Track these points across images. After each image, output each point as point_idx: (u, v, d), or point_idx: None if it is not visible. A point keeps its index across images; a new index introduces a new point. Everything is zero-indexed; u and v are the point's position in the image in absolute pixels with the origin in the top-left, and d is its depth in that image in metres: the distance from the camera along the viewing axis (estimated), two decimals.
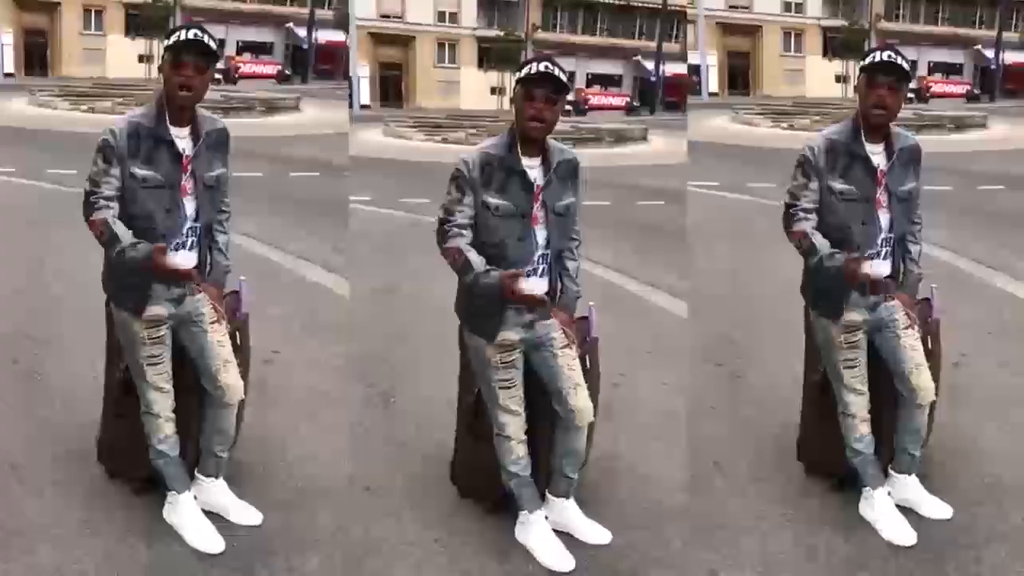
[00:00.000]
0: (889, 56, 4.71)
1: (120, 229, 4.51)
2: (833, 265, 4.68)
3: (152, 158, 4.60)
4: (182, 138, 4.67)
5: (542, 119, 4.59)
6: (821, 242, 4.73)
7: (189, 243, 4.73)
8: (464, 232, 4.61)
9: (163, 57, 4.62)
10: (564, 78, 4.56)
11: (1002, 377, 6.90)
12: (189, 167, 4.67)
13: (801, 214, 4.80)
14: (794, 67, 39.74)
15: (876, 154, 4.84)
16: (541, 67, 4.56)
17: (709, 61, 38.47)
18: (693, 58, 37.50)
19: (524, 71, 4.59)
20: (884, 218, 4.86)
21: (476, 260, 4.56)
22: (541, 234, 4.70)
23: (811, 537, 4.96)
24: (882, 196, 4.84)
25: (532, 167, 4.68)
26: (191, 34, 4.57)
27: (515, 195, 4.64)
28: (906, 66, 4.69)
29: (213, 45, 4.62)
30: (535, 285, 4.71)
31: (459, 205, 4.61)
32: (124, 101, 25.48)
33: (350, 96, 33.43)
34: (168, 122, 4.63)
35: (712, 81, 38.59)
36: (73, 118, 25.29)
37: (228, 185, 4.93)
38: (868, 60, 4.76)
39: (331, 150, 16.25)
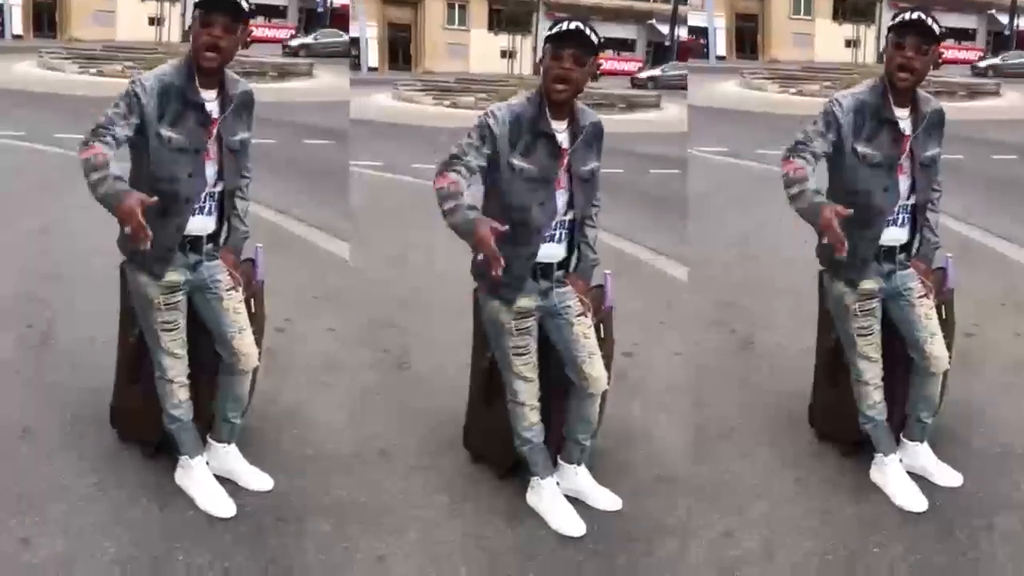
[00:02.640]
0: (918, 16, 4.59)
1: (112, 165, 4.21)
2: (807, 202, 4.40)
3: (179, 120, 4.49)
4: (210, 101, 4.57)
5: (568, 79, 4.47)
6: (811, 179, 4.49)
7: (207, 208, 4.67)
8: (467, 177, 4.40)
9: (193, 15, 4.49)
10: (595, 39, 4.47)
11: (1014, 347, 6.90)
12: (215, 131, 4.60)
13: (808, 156, 4.59)
14: (803, 31, 39.57)
15: (903, 119, 4.75)
16: (571, 26, 4.45)
17: (717, 24, 38.30)
18: (697, 20, 37.32)
19: (554, 29, 4.48)
20: (904, 184, 4.80)
21: (466, 194, 4.33)
22: (562, 199, 4.64)
23: (822, 502, 4.98)
24: (905, 162, 4.78)
25: (560, 130, 4.59)
26: None
27: (541, 159, 4.55)
28: (935, 28, 4.60)
29: (245, 5, 4.47)
30: (553, 251, 4.69)
31: (475, 152, 4.46)
32: (134, 64, 25.46)
33: (351, 58, 33.34)
34: (197, 84, 4.53)
35: (720, 44, 38.44)
36: (82, 81, 25.29)
37: (250, 149, 4.85)
38: (896, 20, 4.66)
39: (345, 117, 16.21)
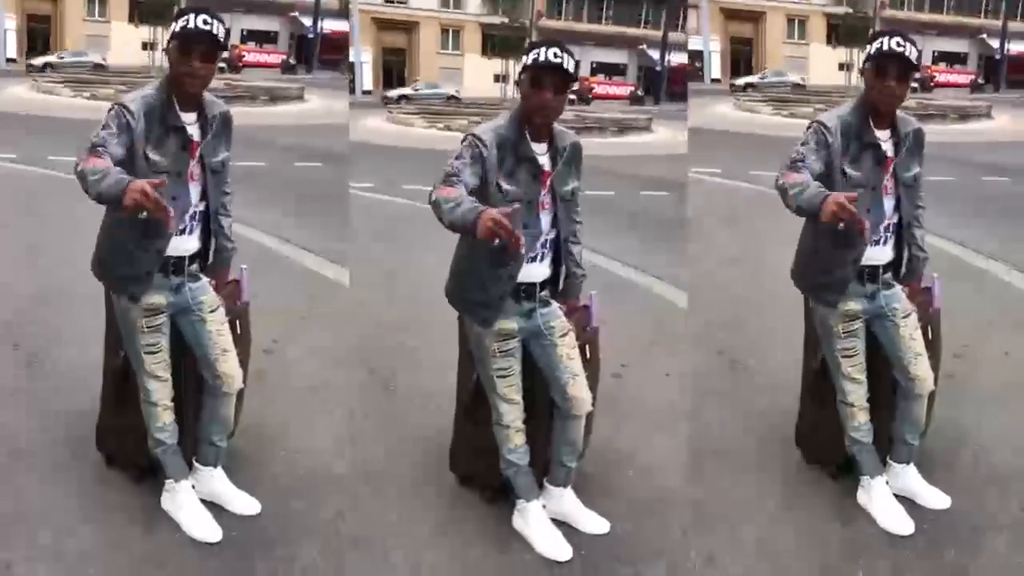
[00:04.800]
0: (898, 43, 4.62)
1: (113, 170, 4.18)
2: (810, 193, 4.31)
3: (162, 143, 4.51)
4: (191, 124, 4.60)
5: (549, 107, 4.52)
6: (810, 180, 4.45)
7: (189, 228, 4.69)
8: (464, 193, 4.29)
9: (169, 42, 4.53)
10: (572, 67, 4.46)
11: (1003, 368, 6.89)
12: (197, 153, 4.62)
13: (806, 172, 4.53)
14: (797, 54, 39.70)
15: (885, 141, 4.78)
16: (551, 54, 4.43)
17: (712, 47, 38.43)
18: (692, 43, 37.45)
19: (532, 56, 4.46)
20: (888, 205, 4.82)
21: (468, 199, 4.24)
22: (546, 220, 4.65)
23: (809, 525, 4.97)
24: (888, 183, 4.80)
25: (540, 153, 4.61)
26: (200, 21, 4.45)
27: (524, 182, 4.56)
28: (914, 57, 4.64)
29: (222, 35, 4.50)
30: (537, 271, 4.68)
31: (468, 170, 4.42)
32: (127, 88, 25.44)
33: (351, 82, 33.41)
34: (177, 108, 4.55)
35: (715, 67, 38.56)
36: (75, 105, 25.32)
37: (230, 168, 4.86)
38: (876, 47, 4.66)
39: (335, 140, 16.23)
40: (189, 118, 4.60)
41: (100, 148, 4.31)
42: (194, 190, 4.66)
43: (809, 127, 4.76)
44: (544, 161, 4.62)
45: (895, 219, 4.87)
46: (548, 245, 4.71)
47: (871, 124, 4.75)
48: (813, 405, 5.35)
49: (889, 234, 4.87)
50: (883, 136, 4.78)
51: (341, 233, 9.82)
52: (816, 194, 4.29)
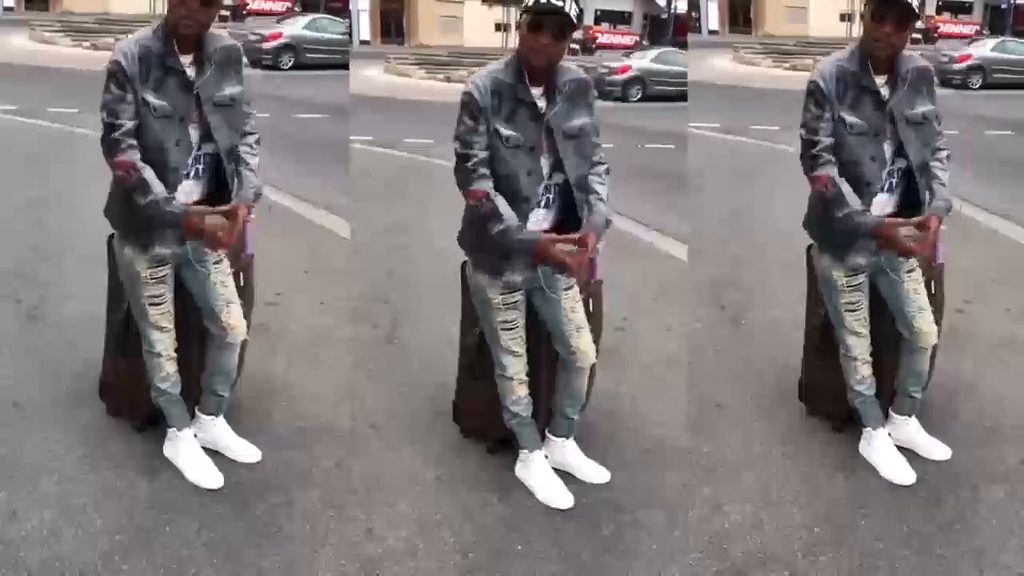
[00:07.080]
0: None
1: (150, 175, 4.35)
2: (864, 223, 4.58)
3: (161, 86, 4.44)
4: (189, 65, 4.51)
5: (547, 53, 4.44)
6: (852, 197, 4.59)
7: (193, 172, 4.60)
8: (487, 172, 4.43)
9: None
10: (575, 13, 4.38)
11: (1004, 323, 6.91)
12: (196, 92, 4.53)
13: (824, 155, 4.61)
14: (797, 4, 39.44)
15: (883, 86, 4.70)
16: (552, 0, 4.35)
17: None
18: None
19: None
20: (888, 150, 4.74)
21: (508, 212, 4.41)
22: (546, 164, 4.55)
23: (812, 476, 4.99)
24: (889, 126, 4.72)
25: (539, 96, 4.52)
26: None
27: (524, 126, 4.49)
28: (915, 3, 4.57)
29: None
30: (541, 218, 4.60)
31: (476, 136, 4.42)
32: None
33: (348, 33, 33.20)
34: (176, 48, 4.47)
35: (712, 18, 38.32)
36: (75, 55, 25.21)
37: (249, 104, 4.76)
38: None
39: (341, 91, 16.20)
40: (187, 60, 4.51)
41: (117, 131, 4.37)
42: (194, 132, 4.56)
43: (808, 84, 4.73)
44: (542, 104, 4.53)
45: (897, 165, 4.78)
46: (552, 190, 4.60)
47: (869, 69, 4.67)
48: (816, 359, 5.36)
49: (894, 180, 4.79)
50: (881, 81, 4.70)
51: (343, 185, 9.83)
52: (865, 222, 4.61)
